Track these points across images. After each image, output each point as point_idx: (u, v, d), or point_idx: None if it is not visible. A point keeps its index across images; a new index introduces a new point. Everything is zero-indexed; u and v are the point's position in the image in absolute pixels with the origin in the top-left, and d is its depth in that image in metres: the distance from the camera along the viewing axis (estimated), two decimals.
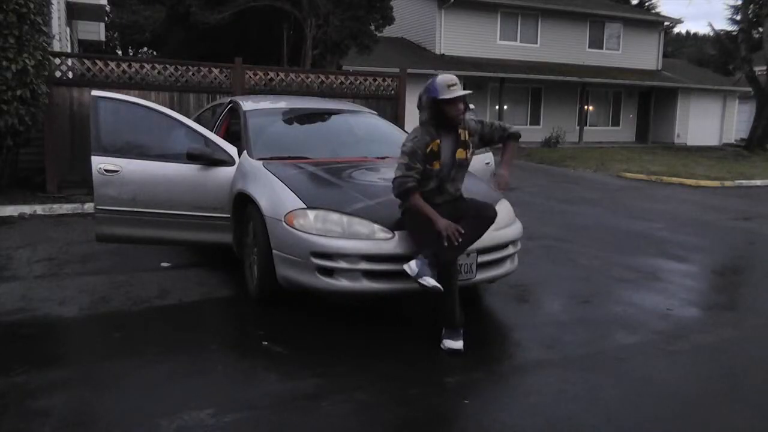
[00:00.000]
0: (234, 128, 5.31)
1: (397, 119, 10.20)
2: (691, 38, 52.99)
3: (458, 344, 3.41)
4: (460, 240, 3.35)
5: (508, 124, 3.89)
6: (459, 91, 3.45)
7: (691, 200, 9.88)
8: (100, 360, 3.27)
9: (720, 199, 10.16)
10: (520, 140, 3.88)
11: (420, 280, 3.33)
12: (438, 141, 3.51)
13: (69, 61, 8.48)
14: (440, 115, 3.50)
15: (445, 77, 3.50)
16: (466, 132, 3.62)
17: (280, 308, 4.05)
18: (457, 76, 3.62)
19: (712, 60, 37.44)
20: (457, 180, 3.67)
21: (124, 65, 8.77)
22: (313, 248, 3.60)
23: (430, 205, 3.48)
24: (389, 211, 3.71)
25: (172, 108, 6.45)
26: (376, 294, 3.70)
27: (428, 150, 3.49)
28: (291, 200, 3.83)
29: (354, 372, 3.16)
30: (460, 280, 3.73)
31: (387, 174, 4.36)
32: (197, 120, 5.61)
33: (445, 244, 3.33)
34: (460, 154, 3.59)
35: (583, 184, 11.61)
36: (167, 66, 8.99)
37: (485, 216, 3.55)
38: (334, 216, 3.68)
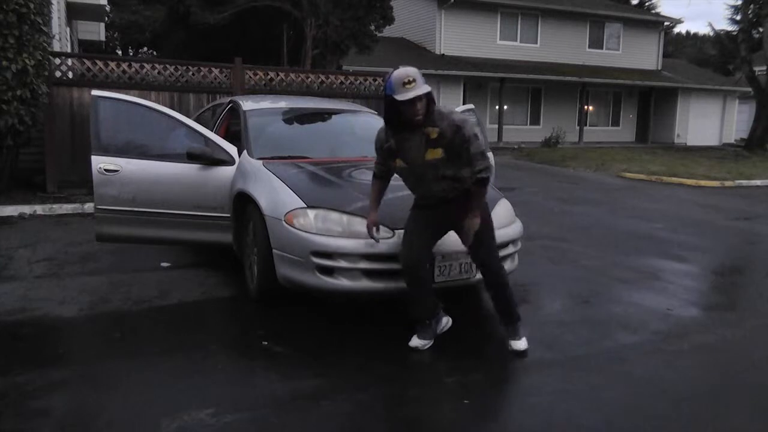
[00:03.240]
0: (234, 128, 5.31)
1: None
2: (691, 38, 52.99)
3: (419, 342, 3.46)
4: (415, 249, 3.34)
5: (482, 159, 3.18)
6: (414, 91, 3.05)
7: (691, 200, 9.88)
8: (100, 360, 3.27)
9: (720, 199, 10.16)
10: (490, 178, 3.27)
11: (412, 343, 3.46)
12: (392, 141, 3.29)
13: (69, 61, 8.48)
14: (396, 115, 3.19)
15: (400, 73, 3.10)
16: (437, 130, 3.18)
17: (280, 308, 4.05)
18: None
19: (712, 60, 37.47)
20: (442, 180, 3.27)
21: (124, 65, 8.78)
22: (313, 247, 3.60)
23: (420, 207, 3.42)
24: (389, 210, 3.70)
25: (172, 108, 6.45)
26: (376, 293, 3.70)
27: (385, 147, 3.36)
28: (291, 200, 3.83)
29: (354, 372, 3.16)
30: (460, 279, 3.74)
31: None
32: (197, 120, 5.61)
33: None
34: (432, 154, 3.20)
35: (583, 184, 11.60)
36: (167, 66, 8.99)
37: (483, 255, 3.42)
38: (334, 215, 3.68)
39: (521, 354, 3.40)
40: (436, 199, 3.35)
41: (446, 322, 3.56)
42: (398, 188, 4.08)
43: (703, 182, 12.00)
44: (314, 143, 5.07)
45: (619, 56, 24.53)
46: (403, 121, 3.20)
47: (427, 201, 3.39)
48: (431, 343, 3.47)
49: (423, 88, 3.08)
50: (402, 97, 3.06)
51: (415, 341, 3.46)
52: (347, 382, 3.04)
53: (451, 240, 3.69)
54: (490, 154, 5.92)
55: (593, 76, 22.25)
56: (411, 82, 3.06)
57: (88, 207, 7.11)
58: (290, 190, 3.92)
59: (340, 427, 2.64)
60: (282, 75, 9.85)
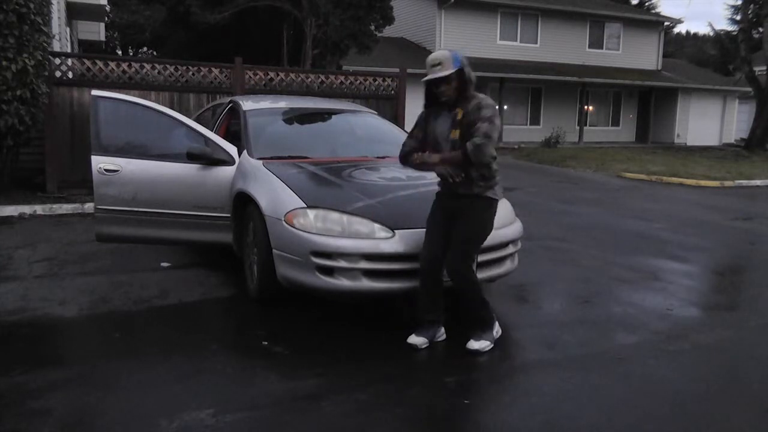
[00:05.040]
0: (234, 128, 5.31)
1: (397, 119, 10.20)
2: (691, 38, 53.04)
3: (417, 339, 3.48)
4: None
5: (485, 138, 3.20)
6: (437, 74, 3.25)
7: (691, 200, 9.88)
8: (100, 360, 3.27)
9: (720, 199, 10.16)
10: (472, 159, 3.22)
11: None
12: (427, 114, 3.49)
13: (69, 61, 8.48)
14: (432, 94, 3.42)
15: (431, 56, 3.33)
16: (462, 111, 3.32)
17: (280, 308, 4.05)
18: None
19: (712, 60, 37.47)
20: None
21: (124, 65, 8.77)
22: (313, 247, 3.60)
23: (438, 196, 3.51)
24: (389, 210, 3.71)
25: (172, 108, 6.45)
26: (376, 293, 3.70)
27: (421, 124, 3.54)
28: (291, 200, 3.83)
29: (354, 372, 3.16)
30: None
31: (387, 173, 4.37)
32: (197, 120, 5.61)
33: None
34: (455, 134, 3.33)
35: (583, 184, 11.60)
36: (167, 66, 8.99)
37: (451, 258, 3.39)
38: (334, 215, 3.68)
39: (473, 353, 3.38)
40: (448, 186, 3.43)
41: (443, 332, 3.58)
42: (398, 188, 4.09)
43: (703, 182, 12.00)
44: (314, 143, 5.08)
45: (619, 56, 24.53)
46: (438, 100, 3.40)
47: (442, 187, 3.50)
48: (428, 343, 3.48)
49: (444, 72, 3.25)
50: (427, 78, 3.30)
51: (414, 338, 3.47)
52: (347, 382, 3.04)
53: None
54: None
55: (593, 76, 22.25)
56: (437, 65, 3.27)
57: (88, 207, 7.11)
58: (290, 190, 3.92)
59: (340, 427, 2.64)
60: (282, 75, 9.85)
